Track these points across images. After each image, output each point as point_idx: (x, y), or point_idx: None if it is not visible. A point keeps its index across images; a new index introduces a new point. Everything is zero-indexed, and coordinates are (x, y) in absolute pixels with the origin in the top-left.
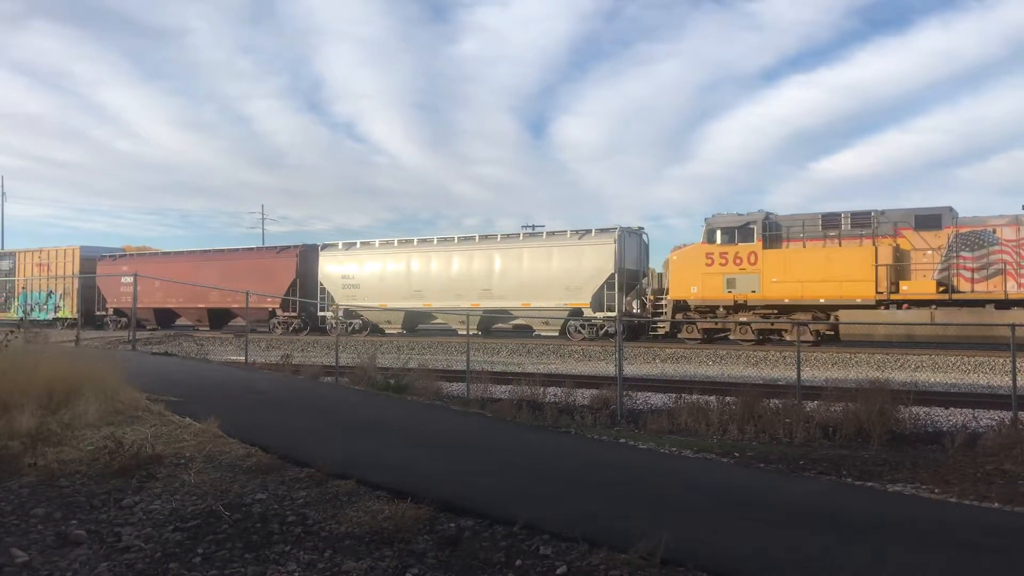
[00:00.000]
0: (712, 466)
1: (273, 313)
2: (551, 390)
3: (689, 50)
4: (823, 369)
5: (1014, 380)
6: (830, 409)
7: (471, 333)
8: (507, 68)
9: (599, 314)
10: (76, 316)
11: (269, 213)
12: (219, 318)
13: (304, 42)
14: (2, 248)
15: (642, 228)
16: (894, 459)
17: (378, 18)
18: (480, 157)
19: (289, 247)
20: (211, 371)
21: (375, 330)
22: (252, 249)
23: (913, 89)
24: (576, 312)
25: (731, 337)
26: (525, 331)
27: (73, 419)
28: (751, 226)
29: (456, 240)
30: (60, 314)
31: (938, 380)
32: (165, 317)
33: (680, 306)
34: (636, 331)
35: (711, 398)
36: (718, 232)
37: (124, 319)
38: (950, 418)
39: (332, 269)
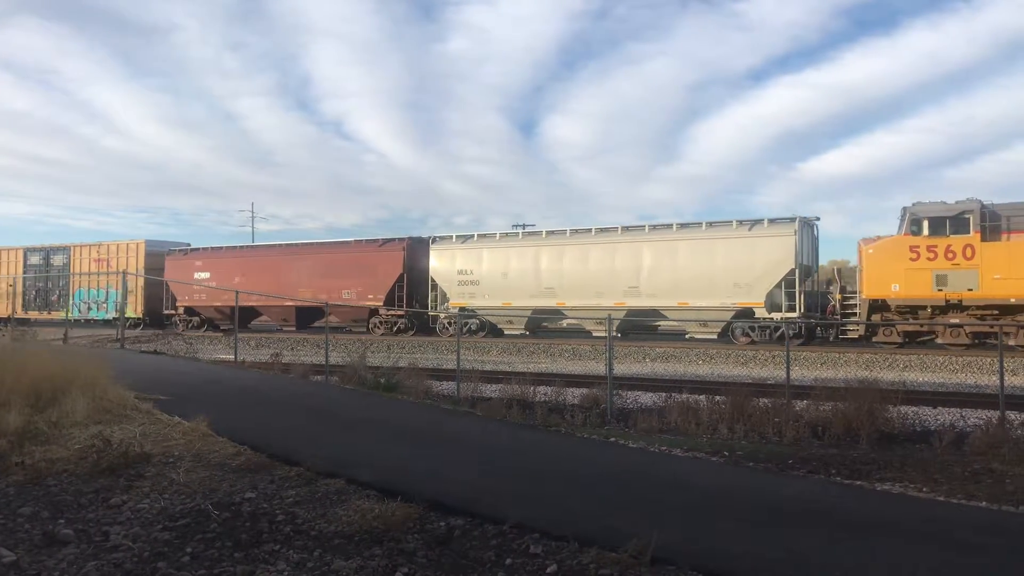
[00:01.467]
0: (702, 465)
1: (374, 312)
2: (541, 389)
3: (678, 50)
4: (812, 368)
5: (1001, 379)
6: (819, 408)
7: (615, 336)
8: (496, 67)
9: (775, 315)
10: (141, 316)
11: (259, 211)
12: (308, 317)
13: (292, 40)
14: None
15: (817, 218)
16: (883, 458)
17: (366, 16)
18: (470, 156)
19: (394, 239)
20: (200, 370)
21: (493, 331)
22: (350, 243)
23: (901, 90)
24: (744, 313)
25: (938, 341)
26: (674, 334)
27: (61, 418)
28: (966, 216)
29: (594, 232)
30: (128, 312)
31: (926, 379)
32: (244, 316)
33: (877, 305)
34: (813, 334)
35: (701, 397)
36: (925, 223)
37: (196, 319)
38: (938, 417)
39: (446, 264)
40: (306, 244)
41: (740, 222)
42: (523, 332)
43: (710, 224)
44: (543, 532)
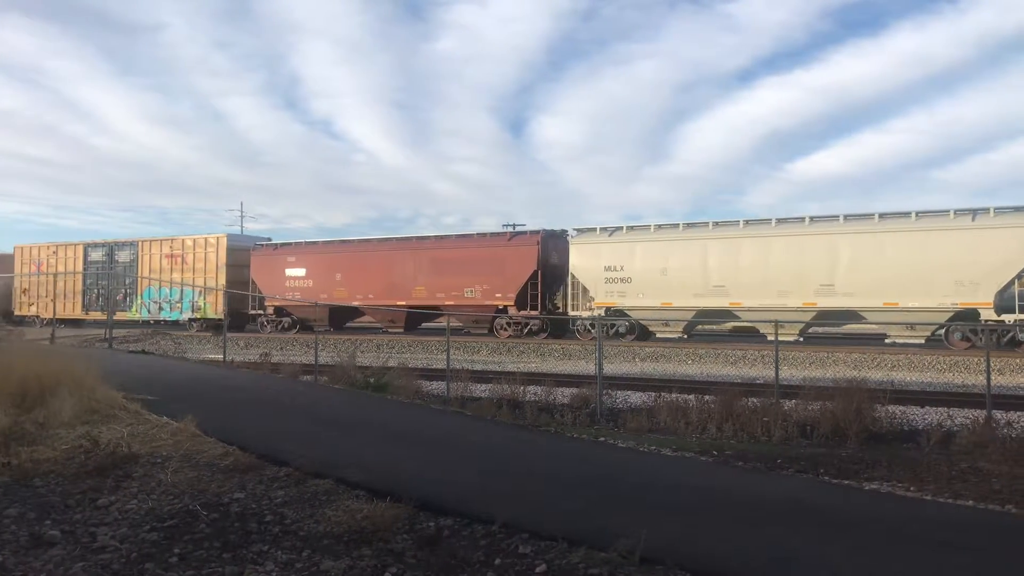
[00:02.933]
0: (691, 465)
1: (502, 311)
2: (531, 389)
3: (666, 50)
4: (801, 368)
5: (988, 379)
6: (808, 408)
7: (795, 340)
8: (485, 67)
9: (1008, 317)
10: (221, 316)
11: (248, 211)
12: (419, 318)
13: (280, 39)
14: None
15: None
16: (871, 457)
17: (355, 15)
18: (459, 156)
19: (525, 232)
20: (189, 370)
21: (644, 333)
22: (473, 236)
23: (888, 91)
24: (965, 314)
25: None
26: (871, 339)
27: (48, 418)
28: None
29: (774, 223)
30: (200, 314)
31: (914, 379)
32: (342, 317)
33: None
34: None
35: (690, 397)
36: None
37: (287, 320)
38: (926, 417)
39: (590, 259)
40: (421, 238)
41: (958, 212)
42: (680, 336)
43: (921, 214)
44: (532, 532)
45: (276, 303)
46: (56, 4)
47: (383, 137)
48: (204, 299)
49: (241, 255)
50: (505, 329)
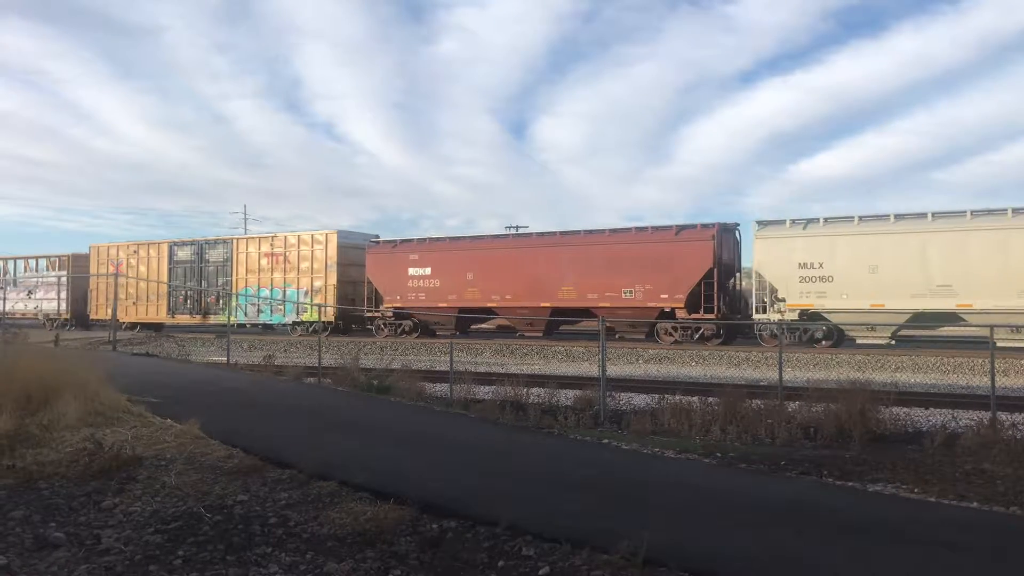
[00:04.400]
0: (694, 466)
1: (667, 314)
2: (534, 391)
3: (667, 52)
4: (804, 370)
5: (992, 380)
6: (811, 409)
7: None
8: (486, 69)
9: None
10: (331, 319)
11: (251, 213)
12: (562, 321)
13: (281, 41)
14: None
15: None
16: (874, 459)
17: (355, 17)
18: (461, 158)
19: (696, 225)
20: (193, 372)
21: (841, 338)
22: (630, 230)
23: (889, 92)
24: None
25: None
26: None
27: (52, 421)
28: None
29: (1011, 214)
30: (306, 316)
31: (918, 380)
32: (471, 320)
33: None
34: None
35: (694, 399)
36: None
37: (408, 322)
38: (930, 418)
39: (778, 255)
40: (568, 233)
41: None
42: (887, 342)
43: None
44: (536, 534)
45: (396, 305)
46: (55, 6)
47: (385, 139)
48: (311, 300)
49: (350, 253)
50: (670, 334)
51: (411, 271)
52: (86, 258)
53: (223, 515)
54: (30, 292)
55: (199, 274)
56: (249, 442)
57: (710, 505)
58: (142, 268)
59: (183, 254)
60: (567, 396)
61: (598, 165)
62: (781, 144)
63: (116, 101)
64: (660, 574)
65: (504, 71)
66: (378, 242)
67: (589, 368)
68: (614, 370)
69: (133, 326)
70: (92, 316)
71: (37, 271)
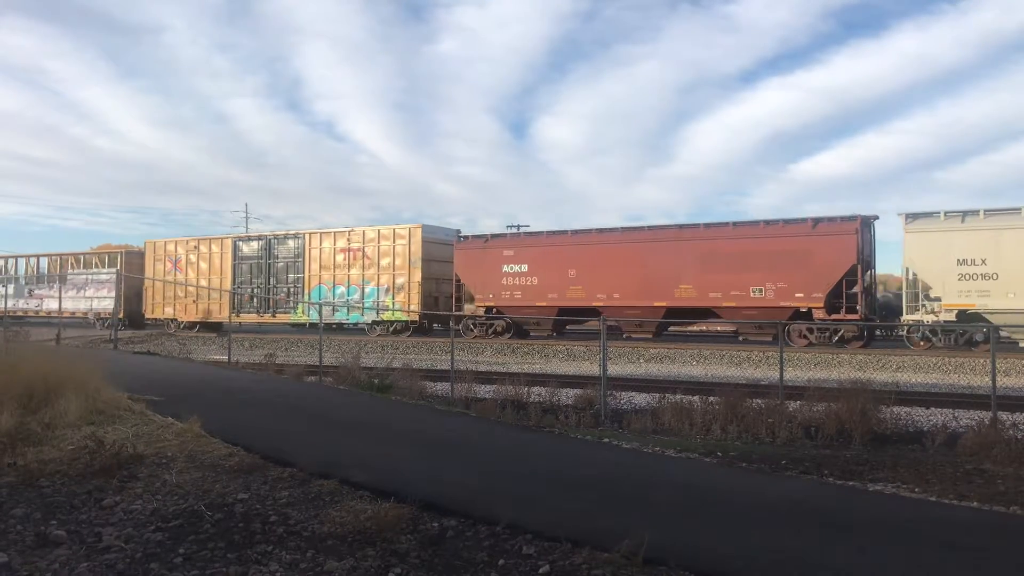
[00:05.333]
0: (695, 466)
1: (803, 315)
2: (535, 390)
3: (667, 52)
4: (805, 369)
5: (993, 380)
6: (812, 409)
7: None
8: (486, 68)
9: None
10: (414, 318)
11: (252, 212)
12: (678, 322)
13: (281, 41)
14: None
15: None
16: (875, 459)
17: (355, 17)
18: (462, 157)
19: (836, 219)
20: (194, 370)
21: (1003, 341)
22: (759, 224)
23: (890, 92)
24: None
25: None
26: None
27: (53, 419)
28: None
29: None
30: (387, 315)
31: (919, 380)
32: (572, 320)
33: None
34: None
35: (694, 398)
36: None
37: (500, 322)
38: (931, 418)
39: (933, 250)
40: (686, 226)
41: None
42: None
43: None
44: (536, 533)
45: (489, 304)
46: (57, 6)
47: (386, 138)
48: (393, 298)
49: (432, 248)
50: (805, 336)
51: (505, 268)
52: (139, 254)
53: (224, 513)
54: (79, 290)
55: (267, 270)
56: (250, 440)
57: (710, 504)
58: (203, 264)
59: (249, 249)
60: (568, 395)
61: (599, 165)
62: (782, 144)
63: (118, 100)
64: (660, 573)
65: (504, 70)
66: (467, 237)
67: (590, 367)
68: (615, 369)
69: (192, 325)
70: (148, 315)
71: (88, 268)
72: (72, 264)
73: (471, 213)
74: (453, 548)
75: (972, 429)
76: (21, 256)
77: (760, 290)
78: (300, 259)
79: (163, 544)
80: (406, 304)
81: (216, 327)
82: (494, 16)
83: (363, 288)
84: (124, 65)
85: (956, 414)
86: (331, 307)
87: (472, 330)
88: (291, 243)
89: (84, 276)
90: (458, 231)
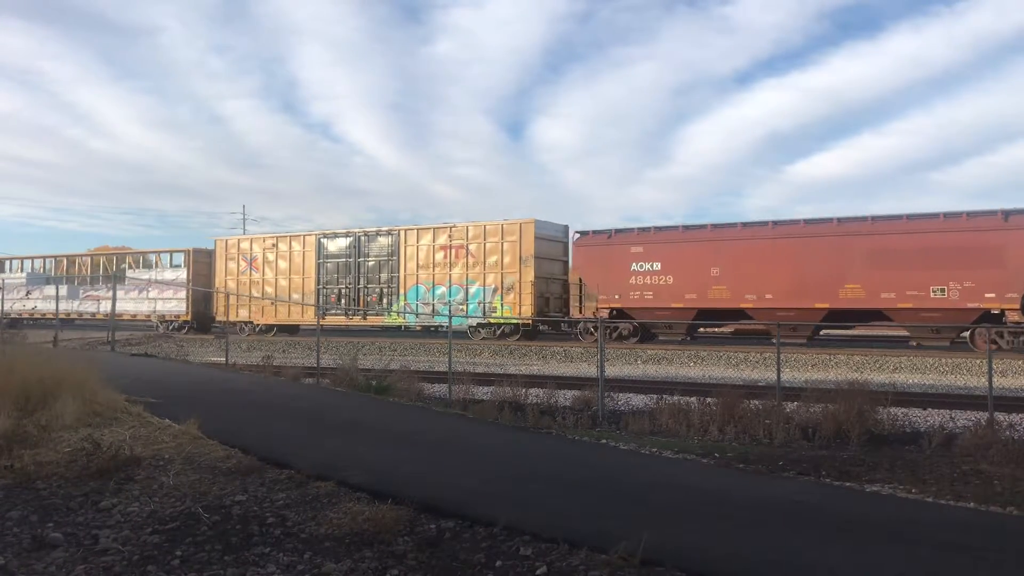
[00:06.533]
0: (693, 467)
1: (991, 318)
2: (533, 391)
3: (663, 53)
4: (803, 370)
5: (990, 381)
6: (810, 410)
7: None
8: (482, 69)
9: None
10: (525, 320)
11: (249, 213)
12: (839, 325)
13: (277, 42)
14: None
15: None
16: (872, 459)
17: (350, 18)
18: (458, 158)
19: None
20: (191, 372)
21: None
22: (939, 216)
23: (886, 93)
24: None
25: None
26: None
27: (50, 421)
28: None
29: None
30: (495, 318)
31: (916, 381)
32: (711, 323)
33: None
34: None
35: (692, 399)
36: None
37: (626, 325)
38: (928, 419)
39: None
40: (848, 220)
41: None
42: None
43: None
44: (533, 534)
45: (615, 305)
46: (52, 7)
47: (382, 140)
48: (501, 299)
49: (543, 245)
50: (994, 341)
51: (634, 266)
52: (208, 253)
53: (221, 515)
54: (141, 291)
55: (355, 270)
56: (247, 442)
57: (708, 505)
58: (282, 263)
59: (335, 247)
60: (565, 396)
61: (596, 166)
62: (778, 145)
63: (114, 102)
64: (657, 574)
65: (501, 72)
66: (587, 232)
67: (588, 369)
68: (612, 371)
69: (268, 329)
70: (219, 317)
71: (152, 268)
72: (130, 263)
73: (469, 214)
74: (451, 549)
75: (969, 430)
76: (75, 255)
77: (942, 290)
78: (394, 257)
79: (160, 546)
80: (516, 305)
81: (295, 330)
82: (490, 17)
83: (467, 288)
84: (120, 66)
85: (953, 415)
86: (431, 308)
87: (591, 333)
88: (383, 240)
89: (147, 275)
90: (566, 226)
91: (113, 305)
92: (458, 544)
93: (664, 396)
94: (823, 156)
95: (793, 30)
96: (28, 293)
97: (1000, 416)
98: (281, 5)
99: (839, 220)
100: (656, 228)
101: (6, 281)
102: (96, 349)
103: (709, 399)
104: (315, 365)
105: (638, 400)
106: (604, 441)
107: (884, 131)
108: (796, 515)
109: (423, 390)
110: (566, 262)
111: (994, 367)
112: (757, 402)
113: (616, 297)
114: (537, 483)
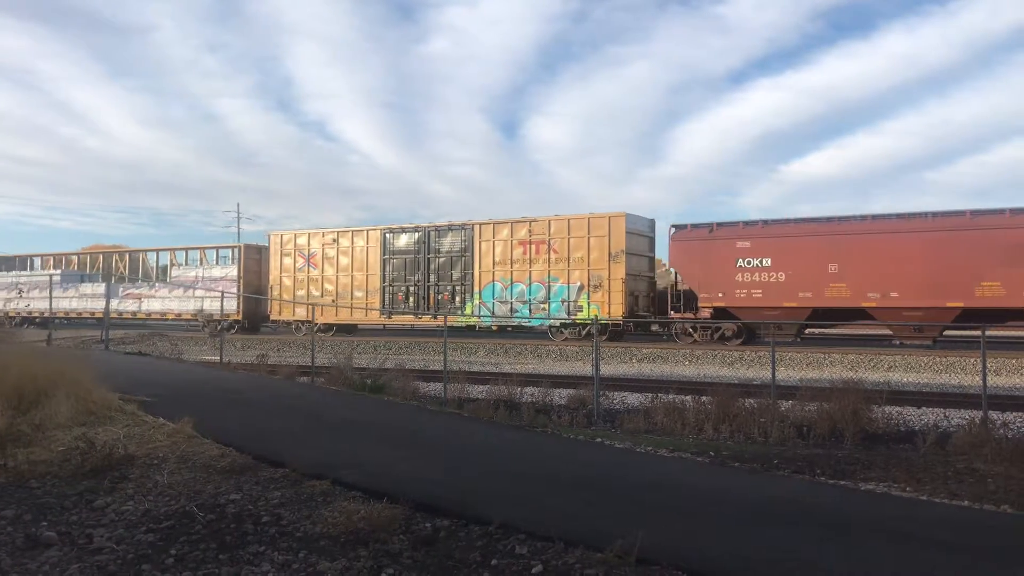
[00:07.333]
0: (688, 465)
1: None
2: (528, 390)
3: (657, 52)
4: (798, 369)
5: (984, 380)
6: (804, 409)
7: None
8: (477, 68)
9: None
10: (615, 319)
11: (243, 212)
12: (971, 321)
13: (271, 41)
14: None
15: None
16: (867, 458)
17: (345, 17)
18: (454, 157)
19: None
20: (185, 371)
21: None
22: None
23: (880, 92)
24: None
25: None
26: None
27: (44, 420)
28: None
29: None
30: (580, 316)
31: (910, 380)
32: (820, 323)
33: None
34: None
35: (687, 398)
36: None
37: (730, 326)
38: (922, 417)
39: None
40: (983, 212)
41: None
42: None
43: None
44: (529, 532)
45: (719, 304)
46: (46, 5)
47: (377, 138)
48: (588, 298)
49: (634, 240)
50: None
51: (740, 262)
52: (258, 249)
53: (216, 514)
54: (187, 289)
55: (425, 266)
56: (242, 441)
57: (703, 504)
58: (343, 260)
59: (402, 242)
60: (561, 395)
61: (590, 165)
62: (772, 144)
63: (108, 100)
64: (653, 572)
65: (495, 71)
66: (684, 226)
67: (583, 367)
68: (608, 369)
69: (327, 328)
70: (274, 317)
71: (199, 265)
72: (171, 260)
73: (465, 213)
74: (446, 548)
75: (963, 428)
76: (112, 251)
77: None
78: (468, 253)
79: (155, 545)
80: (605, 304)
81: (352, 330)
82: (484, 16)
83: (549, 286)
84: (114, 65)
85: (947, 413)
86: (509, 307)
87: (690, 334)
88: (454, 236)
89: (193, 272)
90: (653, 220)
91: (107, 303)
92: (454, 543)
93: (659, 395)
94: (817, 155)
95: (787, 29)
96: (64, 291)
97: (994, 415)
98: (276, 3)
99: (972, 213)
100: (764, 221)
101: (32, 280)
102: (90, 348)
103: (704, 398)
104: (310, 364)
105: (633, 399)
106: (599, 440)
107: (878, 130)
108: (791, 513)
109: (418, 389)
110: (652, 258)
111: (988, 366)
112: (752, 401)
113: (720, 295)
114: (532, 482)
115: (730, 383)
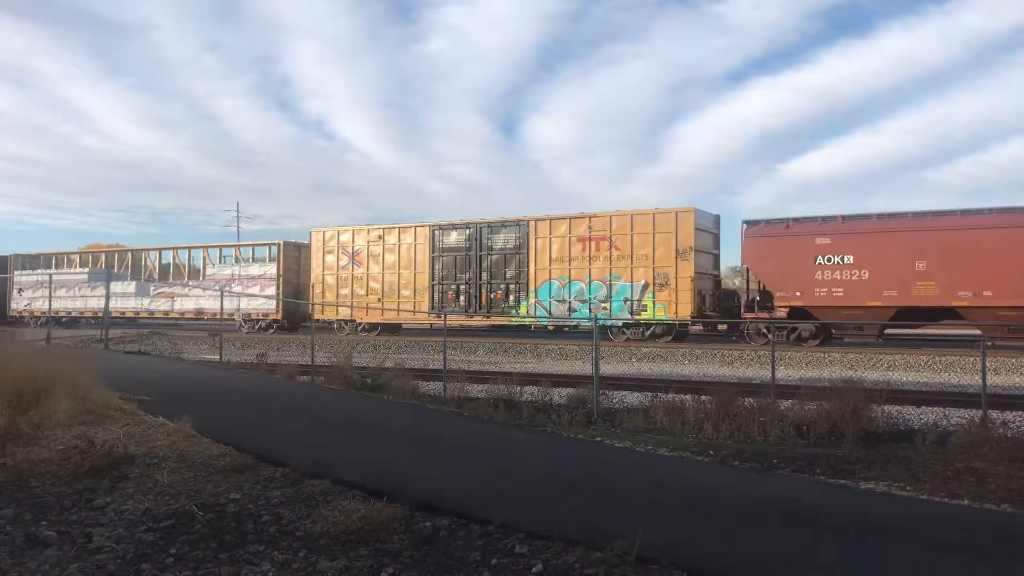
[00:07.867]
0: (687, 465)
1: None
2: (528, 389)
3: (656, 51)
4: (797, 368)
5: (984, 379)
6: (804, 408)
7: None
8: (476, 68)
9: None
10: (683, 318)
11: (242, 211)
12: None
13: (270, 40)
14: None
15: None
16: (867, 457)
17: (343, 16)
18: (452, 157)
19: None
20: (185, 370)
21: None
22: None
23: (878, 91)
24: None
25: None
26: None
27: (43, 419)
28: None
29: None
30: (644, 315)
31: (910, 379)
32: (906, 323)
33: None
34: None
35: (687, 397)
36: None
37: (808, 326)
38: (922, 416)
39: None
40: None
41: None
42: None
43: None
44: (529, 532)
45: (797, 303)
46: (44, 4)
47: (375, 138)
48: (653, 297)
49: (701, 237)
50: None
51: (820, 259)
52: (297, 247)
53: (216, 513)
54: (223, 288)
55: (476, 264)
56: (242, 440)
57: (703, 503)
58: (389, 257)
59: (451, 239)
60: (560, 394)
61: (590, 164)
62: (772, 143)
63: (106, 99)
64: (653, 571)
65: (494, 70)
66: (758, 222)
67: (583, 367)
68: (607, 368)
69: (372, 328)
70: (317, 316)
71: (236, 263)
72: (205, 257)
73: (463, 212)
74: (446, 547)
75: (963, 427)
76: (141, 249)
77: None
78: (522, 250)
79: (154, 544)
80: (671, 303)
81: (396, 330)
82: (483, 16)
83: (610, 285)
84: (112, 64)
85: (947, 412)
86: (567, 306)
87: (764, 335)
88: (508, 232)
89: (229, 271)
90: (717, 216)
91: (107, 300)
92: (453, 542)
93: (659, 394)
94: (816, 154)
95: (786, 29)
96: (92, 290)
97: (994, 414)
98: (274, 2)
99: None
100: (843, 217)
101: (53, 279)
102: (89, 347)
103: (704, 397)
104: (309, 363)
105: (633, 398)
106: (599, 439)
107: (877, 130)
108: (791, 512)
109: (418, 388)
110: (717, 255)
111: (987, 365)
112: (752, 400)
113: (798, 294)
114: (532, 481)
115: (730, 382)
